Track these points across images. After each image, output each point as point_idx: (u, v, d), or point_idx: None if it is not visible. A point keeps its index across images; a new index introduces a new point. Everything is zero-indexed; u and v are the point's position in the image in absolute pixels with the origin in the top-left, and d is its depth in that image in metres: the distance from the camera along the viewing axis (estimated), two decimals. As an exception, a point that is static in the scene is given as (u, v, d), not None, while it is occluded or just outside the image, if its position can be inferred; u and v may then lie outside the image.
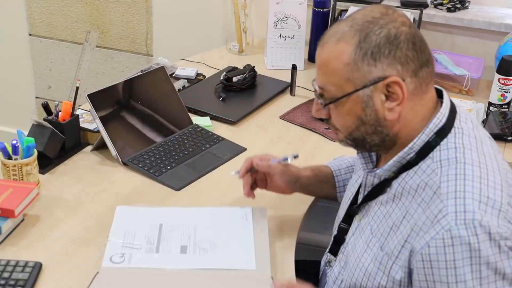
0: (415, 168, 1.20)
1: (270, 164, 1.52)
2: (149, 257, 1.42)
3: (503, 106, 2.18)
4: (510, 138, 2.05)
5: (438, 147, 1.19)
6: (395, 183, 1.24)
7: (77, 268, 1.40)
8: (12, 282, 1.31)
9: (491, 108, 2.19)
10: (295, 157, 1.51)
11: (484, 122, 2.14)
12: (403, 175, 1.22)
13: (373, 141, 1.23)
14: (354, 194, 1.38)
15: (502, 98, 2.17)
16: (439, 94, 1.27)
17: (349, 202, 1.39)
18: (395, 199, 1.23)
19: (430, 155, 1.19)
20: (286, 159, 1.51)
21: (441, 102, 1.24)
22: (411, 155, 1.21)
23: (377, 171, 1.26)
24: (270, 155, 1.56)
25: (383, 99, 1.17)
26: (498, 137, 2.06)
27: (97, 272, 1.36)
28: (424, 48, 1.18)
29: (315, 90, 1.24)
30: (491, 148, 1.22)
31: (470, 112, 2.16)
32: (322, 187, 1.59)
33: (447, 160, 1.16)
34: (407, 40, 1.15)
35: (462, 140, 1.19)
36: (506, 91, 2.16)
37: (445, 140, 1.19)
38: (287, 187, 1.56)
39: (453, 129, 1.20)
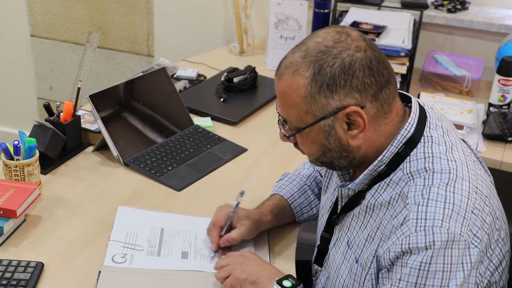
0: (387, 180, 1.20)
1: (235, 239, 1.44)
2: (150, 259, 1.42)
3: (503, 107, 2.18)
4: (510, 138, 2.06)
5: (408, 158, 1.19)
6: (368, 195, 1.24)
7: (79, 268, 1.40)
8: (14, 282, 1.32)
9: (491, 109, 2.19)
10: (242, 194, 1.49)
11: (484, 122, 2.15)
12: (376, 186, 1.22)
13: (341, 164, 1.24)
14: (333, 203, 1.37)
15: (502, 99, 2.17)
16: (408, 99, 1.26)
17: (329, 211, 1.39)
18: (368, 210, 1.24)
19: (401, 166, 1.19)
20: (237, 204, 1.48)
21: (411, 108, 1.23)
22: (382, 167, 1.20)
23: (349, 186, 1.26)
24: (225, 207, 1.50)
25: (345, 128, 1.17)
26: (498, 138, 2.06)
27: (100, 272, 1.36)
28: (382, 70, 1.16)
29: (279, 119, 1.25)
30: (462, 153, 1.21)
31: (471, 113, 2.16)
32: (281, 221, 1.57)
33: (417, 172, 1.17)
34: (363, 67, 1.14)
35: (431, 149, 1.18)
36: (506, 92, 2.16)
37: (414, 150, 1.19)
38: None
39: (422, 138, 1.20)
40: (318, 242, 1.42)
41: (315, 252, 1.43)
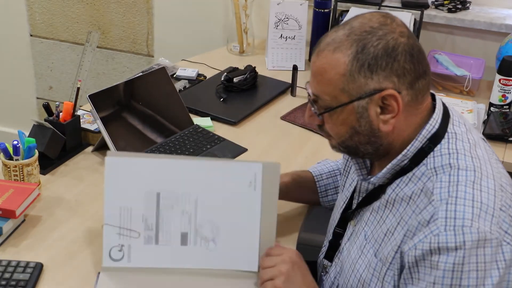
0: (409, 175, 1.20)
1: None
2: (148, 251, 1.38)
3: (504, 107, 2.18)
4: (511, 138, 2.06)
5: (432, 153, 1.18)
6: (389, 189, 1.23)
7: (78, 269, 1.40)
8: (13, 283, 1.31)
9: (492, 108, 2.19)
10: None
11: (485, 122, 2.14)
12: (397, 181, 1.21)
13: (366, 150, 1.23)
14: (348, 198, 1.37)
15: (503, 98, 2.17)
16: (432, 98, 1.26)
17: (343, 207, 1.38)
18: (388, 205, 1.23)
19: (424, 161, 1.19)
20: None
21: (435, 106, 1.23)
22: (405, 161, 1.20)
23: (372, 179, 1.26)
24: None
25: (378, 111, 1.16)
26: (499, 138, 2.06)
27: (99, 273, 1.36)
28: (421, 59, 1.17)
29: (309, 96, 1.23)
30: (485, 151, 1.21)
31: (471, 112, 2.16)
32: (301, 192, 1.58)
33: (441, 167, 1.16)
34: (405, 52, 1.14)
35: (455, 145, 1.18)
36: (506, 91, 2.16)
37: (438, 146, 1.18)
38: None
39: (446, 134, 1.20)
40: (330, 237, 1.41)
41: (326, 247, 1.43)
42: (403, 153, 1.19)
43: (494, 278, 1.09)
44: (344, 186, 1.45)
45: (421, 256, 1.11)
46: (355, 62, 1.14)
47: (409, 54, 1.14)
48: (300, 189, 1.57)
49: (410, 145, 1.19)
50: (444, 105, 1.25)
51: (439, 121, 1.20)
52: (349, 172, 1.44)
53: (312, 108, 1.23)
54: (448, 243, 1.08)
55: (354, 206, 1.34)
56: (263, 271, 1.31)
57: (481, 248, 1.08)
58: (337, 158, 1.64)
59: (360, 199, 1.32)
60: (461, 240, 1.07)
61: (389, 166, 1.21)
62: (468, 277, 1.08)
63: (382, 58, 1.13)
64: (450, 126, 1.21)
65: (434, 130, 1.19)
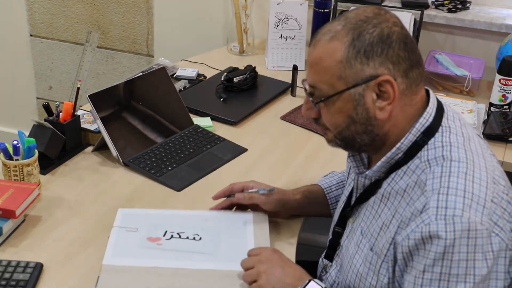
0: (404, 168, 1.21)
1: (252, 196, 1.54)
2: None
3: (504, 107, 2.18)
4: (511, 138, 2.05)
5: (426, 146, 1.19)
6: (384, 183, 1.24)
7: (78, 269, 1.40)
8: (13, 283, 1.31)
9: (492, 108, 2.19)
10: (270, 190, 1.54)
11: (485, 122, 2.14)
12: (392, 175, 1.22)
13: (363, 141, 1.23)
14: (347, 197, 1.38)
15: (503, 98, 2.17)
16: (426, 93, 1.27)
17: (342, 205, 1.39)
18: (383, 199, 1.24)
19: (418, 154, 1.20)
20: (262, 190, 1.53)
21: (429, 101, 1.25)
22: (399, 155, 1.21)
23: (367, 172, 1.27)
24: (252, 182, 1.57)
25: (374, 98, 1.18)
26: (499, 138, 2.06)
27: (99, 276, 1.35)
28: (415, 49, 1.20)
29: (306, 89, 1.25)
30: (479, 146, 1.22)
31: (471, 112, 2.16)
32: (313, 208, 1.59)
33: (434, 160, 1.17)
34: (399, 40, 1.16)
35: (449, 138, 1.19)
36: (507, 91, 2.16)
37: (432, 139, 1.20)
38: (274, 212, 1.57)
39: (440, 128, 1.21)
40: (330, 237, 1.42)
41: (327, 247, 1.43)
42: (397, 146, 1.20)
43: (482, 269, 1.09)
44: (345, 187, 1.46)
45: (414, 245, 1.11)
46: (351, 49, 1.16)
47: (403, 42, 1.17)
48: (312, 205, 1.59)
49: (404, 138, 1.20)
50: (438, 100, 1.26)
51: (433, 114, 1.21)
52: (349, 174, 1.45)
53: (310, 99, 1.24)
54: (439, 232, 1.08)
55: (352, 203, 1.34)
56: (244, 274, 1.34)
57: (472, 238, 1.08)
58: (342, 169, 1.64)
59: (357, 195, 1.32)
60: (451, 230, 1.08)
61: (383, 159, 1.22)
62: (458, 266, 1.09)
63: (377, 45, 1.15)
64: (444, 120, 1.22)
65: (428, 123, 1.20)
